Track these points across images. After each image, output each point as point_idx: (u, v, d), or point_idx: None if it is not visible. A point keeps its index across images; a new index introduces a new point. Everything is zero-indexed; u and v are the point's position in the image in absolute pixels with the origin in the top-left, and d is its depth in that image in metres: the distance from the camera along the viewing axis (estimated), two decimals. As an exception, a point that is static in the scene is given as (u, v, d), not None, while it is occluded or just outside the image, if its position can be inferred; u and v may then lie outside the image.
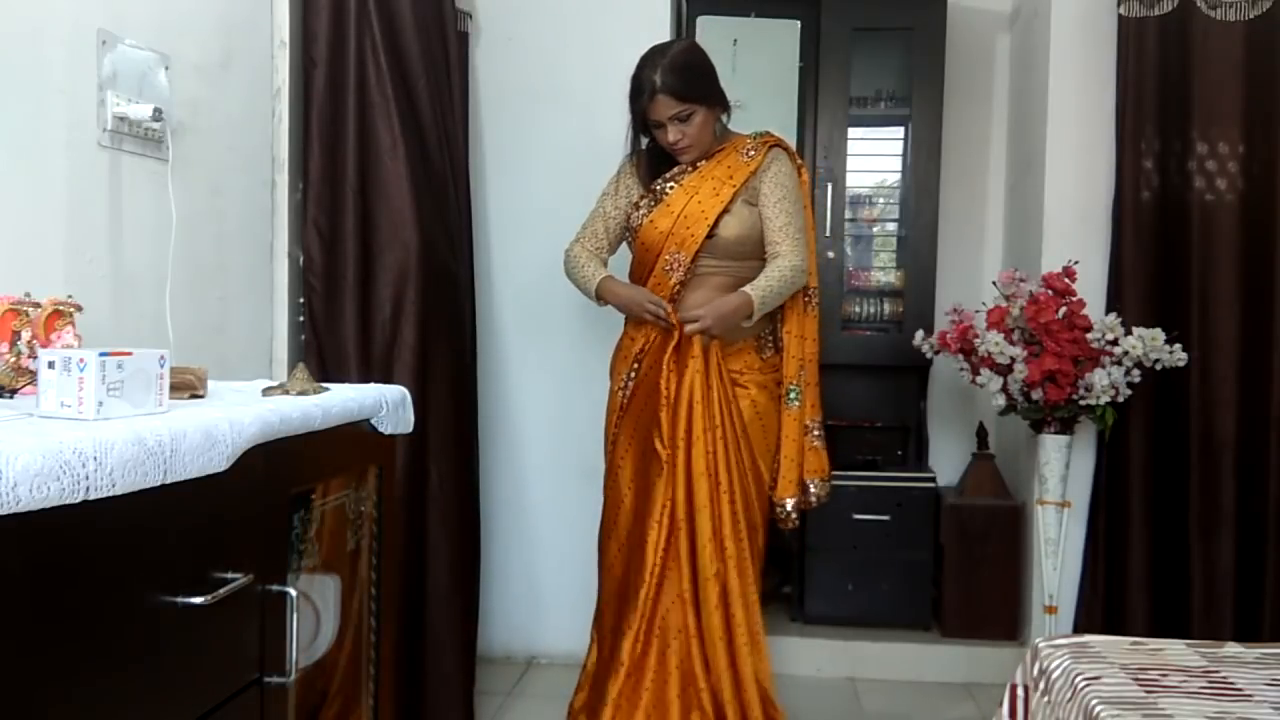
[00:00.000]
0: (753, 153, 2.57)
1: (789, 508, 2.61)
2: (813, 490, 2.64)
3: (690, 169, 2.57)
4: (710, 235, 2.52)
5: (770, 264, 2.53)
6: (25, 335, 1.35)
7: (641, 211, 2.58)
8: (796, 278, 2.53)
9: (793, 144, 3.48)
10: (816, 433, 2.64)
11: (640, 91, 2.48)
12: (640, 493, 2.57)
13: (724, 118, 2.61)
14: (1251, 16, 2.91)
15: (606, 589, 2.66)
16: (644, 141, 2.63)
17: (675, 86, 2.45)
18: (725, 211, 2.52)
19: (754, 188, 2.54)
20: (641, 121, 2.54)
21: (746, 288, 2.50)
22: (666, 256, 2.54)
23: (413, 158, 2.47)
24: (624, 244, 2.71)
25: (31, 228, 1.63)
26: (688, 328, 2.47)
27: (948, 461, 3.67)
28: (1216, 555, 2.93)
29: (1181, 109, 2.96)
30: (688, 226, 2.52)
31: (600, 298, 2.62)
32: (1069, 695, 1.78)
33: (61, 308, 1.41)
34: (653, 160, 2.61)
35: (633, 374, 2.60)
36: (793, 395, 2.61)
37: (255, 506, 1.30)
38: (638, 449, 2.60)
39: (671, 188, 2.56)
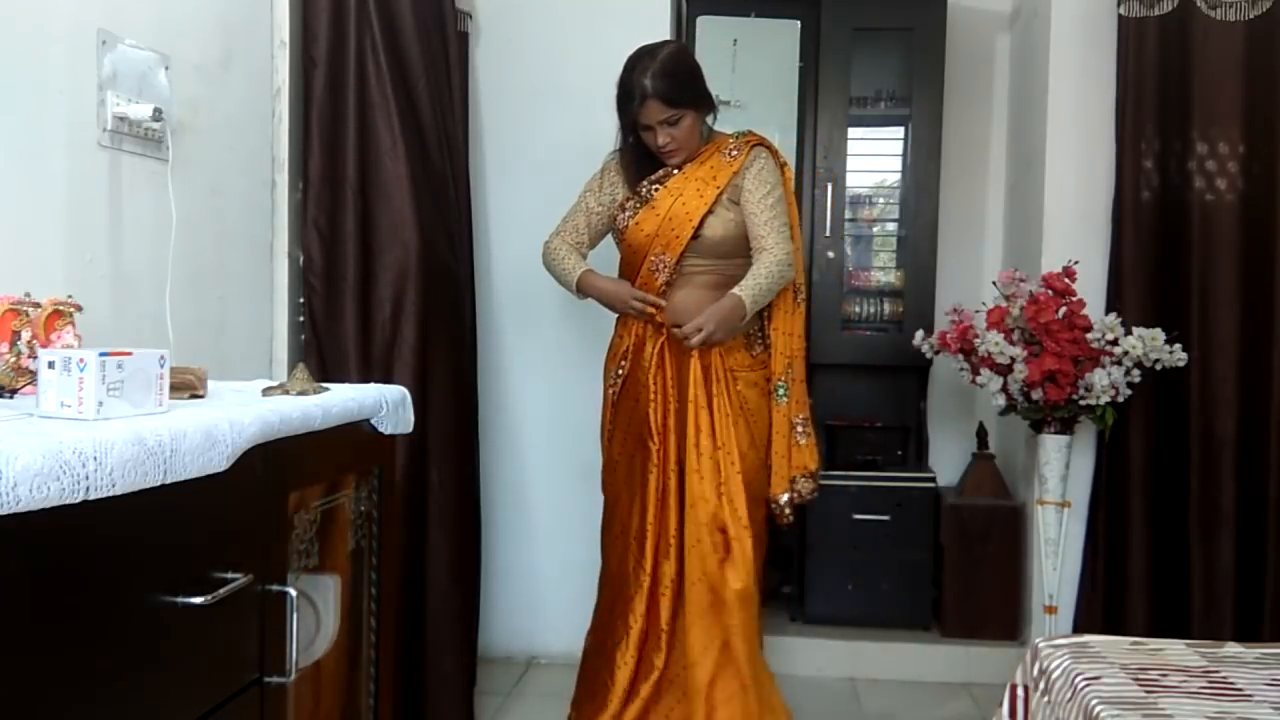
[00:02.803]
0: (735, 152, 2.56)
1: (783, 503, 2.61)
2: (798, 485, 2.63)
3: (675, 170, 2.56)
4: (695, 236, 2.51)
5: (756, 260, 2.51)
6: (25, 335, 1.35)
7: (627, 214, 2.58)
8: (783, 271, 2.52)
9: (793, 144, 3.49)
10: (801, 429, 2.63)
11: (630, 96, 2.46)
12: (635, 489, 2.57)
13: (710, 118, 2.60)
14: (1251, 16, 2.91)
15: (606, 588, 2.67)
16: (630, 139, 2.62)
17: (666, 91, 2.43)
18: (710, 212, 2.51)
19: (737, 186, 2.54)
20: (631, 124, 2.54)
21: (736, 289, 2.48)
22: (652, 258, 2.54)
23: (413, 158, 2.47)
24: (604, 240, 2.71)
25: (31, 228, 1.63)
26: (693, 339, 2.44)
27: (948, 461, 3.67)
28: (1216, 555, 2.93)
29: (1181, 109, 2.96)
30: (673, 228, 2.51)
31: (581, 291, 2.62)
32: (1069, 695, 1.78)
33: (61, 308, 1.40)
34: (638, 160, 2.60)
35: (620, 371, 2.60)
36: (781, 392, 2.60)
37: (255, 506, 1.30)
38: (630, 446, 2.60)
39: (656, 190, 2.56)
